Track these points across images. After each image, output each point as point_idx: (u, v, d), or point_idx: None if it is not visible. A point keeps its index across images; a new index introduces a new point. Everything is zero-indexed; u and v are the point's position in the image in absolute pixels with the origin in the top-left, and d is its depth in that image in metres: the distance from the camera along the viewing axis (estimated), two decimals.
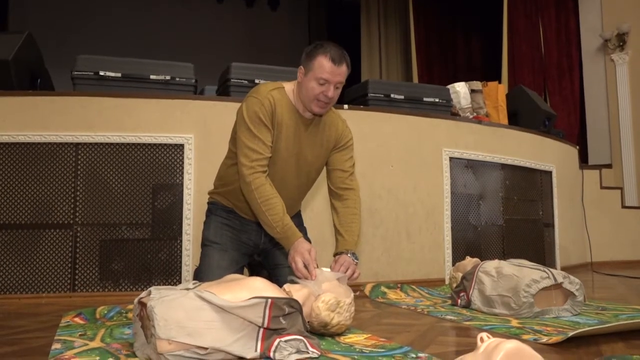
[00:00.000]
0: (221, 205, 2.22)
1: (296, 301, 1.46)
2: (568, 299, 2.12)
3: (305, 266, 1.79)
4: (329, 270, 1.82)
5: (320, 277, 1.72)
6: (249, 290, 1.40)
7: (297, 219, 2.33)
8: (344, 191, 2.14)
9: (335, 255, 2.06)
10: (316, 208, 2.95)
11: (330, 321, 1.61)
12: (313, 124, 2.08)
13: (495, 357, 0.90)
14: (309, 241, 2.29)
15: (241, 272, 2.12)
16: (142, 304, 1.39)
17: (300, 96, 2.01)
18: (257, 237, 2.19)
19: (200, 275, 2.10)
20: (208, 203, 2.29)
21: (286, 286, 1.63)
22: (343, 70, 1.95)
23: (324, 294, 1.63)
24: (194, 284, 1.51)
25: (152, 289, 1.40)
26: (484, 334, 1.01)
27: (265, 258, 2.26)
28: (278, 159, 2.04)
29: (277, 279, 2.09)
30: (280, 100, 2.01)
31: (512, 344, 0.93)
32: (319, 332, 1.63)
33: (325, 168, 2.20)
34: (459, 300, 2.34)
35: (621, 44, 5.91)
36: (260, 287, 1.44)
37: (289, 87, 2.06)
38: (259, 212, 1.95)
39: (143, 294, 1.41)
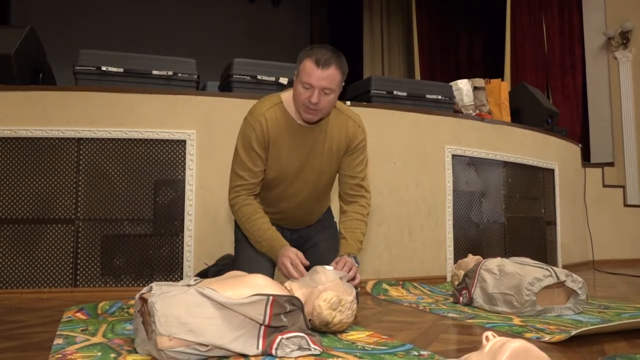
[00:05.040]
0: None
1: (298, 299, 1.45)
2: (570, 298, 2.11)
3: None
4: (331, 269, 1.81)
5: (322, 274, 1.71)
6: (250, 287, 1.40)
7: (327, 213, 2.29)
8: (352, 197, 2.08)
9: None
10: None
11: (332, 320, 1.60)
12: (317, 130, 1.97)
13: (501, 357, 0.89)
14: (338, 237, 2.22)
15: (273, 269, 2.08)
16: (144, 300, 1.39)
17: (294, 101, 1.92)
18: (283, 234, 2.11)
19: (241, 266, 2.03)
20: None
21: (288, 284, 1.62)
22: (329, 74, 1.77)
23: (326, 292, 1.62)
24: (195, 280, 1.51)
25: (153, 284, 1.40)
26: (489, 333, 1.00)
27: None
28: (284, 176, 2.00)
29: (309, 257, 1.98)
30: (275, 120, 1.92)
31: (518, 343, 0.92)
32: (321, 330, 1.63)
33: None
34: (461, 298, 2.33)
35: (625, 42, 5.88)
36: (262, 284, 1.43)
37: (287, 96, 1.95)
38: (246, 230, 1.99)
39: (144, 289, 1.41)
